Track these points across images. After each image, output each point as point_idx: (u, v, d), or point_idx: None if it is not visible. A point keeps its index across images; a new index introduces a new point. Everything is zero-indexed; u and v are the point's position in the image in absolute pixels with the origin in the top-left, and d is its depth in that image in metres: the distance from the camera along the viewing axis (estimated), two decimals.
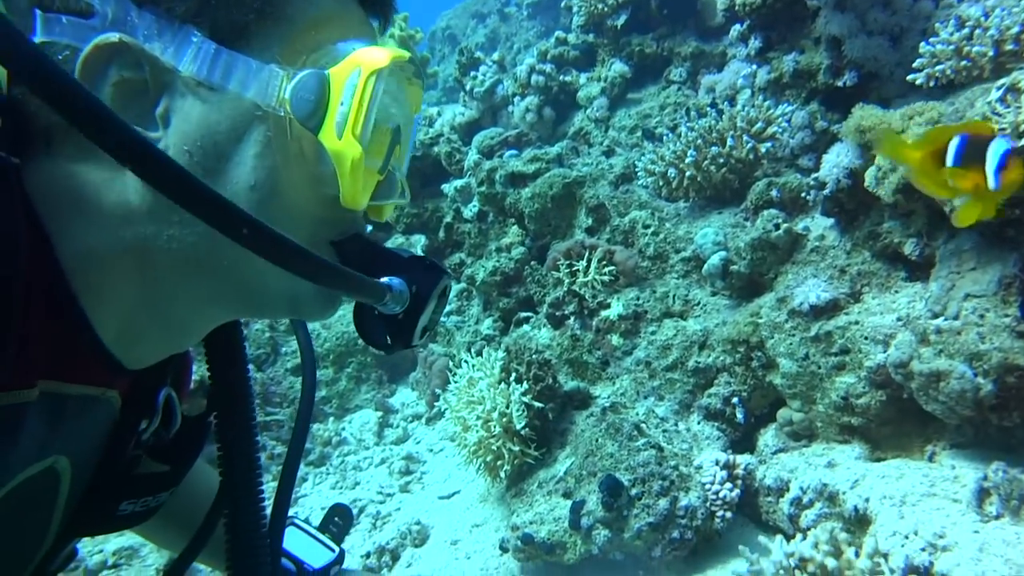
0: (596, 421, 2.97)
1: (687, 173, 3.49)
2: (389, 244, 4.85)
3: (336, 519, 1.58)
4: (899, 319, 2.53)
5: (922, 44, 2.74)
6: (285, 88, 0.68)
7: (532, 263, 4.10)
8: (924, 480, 2.31)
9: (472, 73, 5.57)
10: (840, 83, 3.43)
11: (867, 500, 2.31)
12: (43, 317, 0.65)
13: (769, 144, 3.38)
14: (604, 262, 3.55)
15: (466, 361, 3.28)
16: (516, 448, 2.97)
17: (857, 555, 1.89)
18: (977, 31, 2.57)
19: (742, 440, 3.00)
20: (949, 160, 1.89)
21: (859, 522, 2.32)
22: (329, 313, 0.81)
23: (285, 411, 4.47)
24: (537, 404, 3.02)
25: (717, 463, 2.71)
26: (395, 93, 0.83)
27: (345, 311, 0.82)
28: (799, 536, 2.08)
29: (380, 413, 4.55)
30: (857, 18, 3.34)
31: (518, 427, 2.95)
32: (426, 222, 5.20)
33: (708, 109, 3.76)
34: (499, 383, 3.08)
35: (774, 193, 3.22)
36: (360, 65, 0.69)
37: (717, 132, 3.49)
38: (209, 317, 0.82)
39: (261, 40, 0.69)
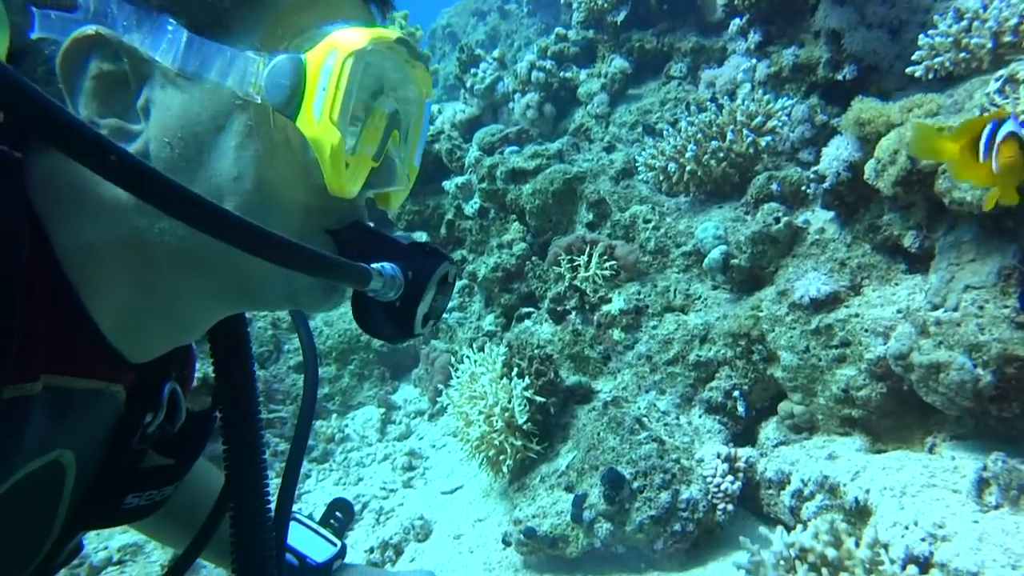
0: (598, 415, 2.98)
1: (687, 168, 3.50)
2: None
3: (337, 514, 1.58)
4: (899, 311, 2.53)
5: (921, 36, 2.74)
6: (261, 74, 0.66)
7: (533, 259, 4.11)
8: (924, 471, 2.32)
9: (472, 70, 5.58)
10: (840, 76, 3.44)
11: (868, 492, 2.32)
12: (45, 311, 0.65)
13: (769, 138, 3.39)
14: (605, 257, 3.56)
15: (468, 357, 3.29)
16: (518, 442, 2.99)
17: (857, 545, 1.90)
18: (976, 23, 2.58)
19: (743, 433, 3.01)
20: (982, 149, 1.88)
21: (860, 513, 2.33)
22: (329, 305, 0.79)
23: (288, 408, 4.49)
24: (539, 399, 3.03)
25: (718, 456, 2.72)
26: (386, 75, 0.79)
27: (348, 308, 0.81)
28: (799, 527, 2.08)
29: (383, 410, 4.57)
30: (856, 11, 3.34)
31: (520, 422, 2.96)
32: (427, 219, 5.21)
33: (708, 104, 3.77)
34: (501, 378, 3.09)
35: (774, 187, 3.22)
36: (336, 47, 0.67)
37: (717, 126, 3.49)
38: (209, 310, 0.81)
39: (241, 26, 0.67)
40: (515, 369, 3.09)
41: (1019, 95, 2.14)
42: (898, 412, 2.56)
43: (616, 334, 3.38)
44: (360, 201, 0.79)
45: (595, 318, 3.51)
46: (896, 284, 2.67)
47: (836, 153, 2.80)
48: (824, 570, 1.87)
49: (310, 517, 1.38)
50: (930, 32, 2.73)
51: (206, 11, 0.66)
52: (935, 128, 2.12)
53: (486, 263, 4.39)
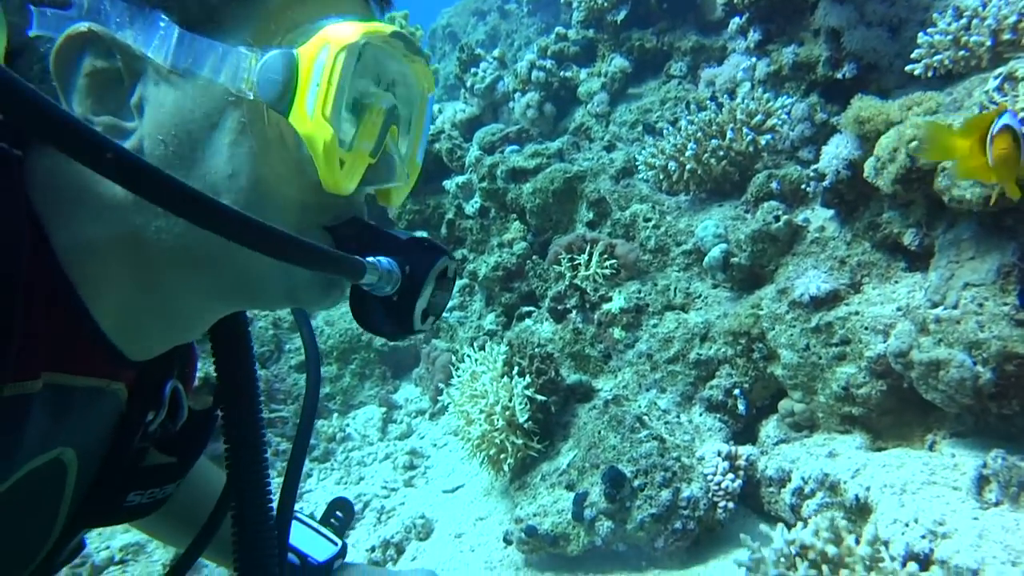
0: (598, 414, 2.99)
1: (687, 166, 3.50)
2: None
3: (337, 513, 1.58)
4: (899, 309, 2.54)
5: (920, 35, 2.74)
6: (253, 70, 0.65)
7: (534, 258, 4.12)
8: (924, 468, 2.32)
9: (473, 70, 5.59)
10: (839, 75, 3.44)
11: (868, 489, 2.33)
12: (45, 309, 0.65)
13: (769, 136, 3.39)
14: (605, 256, 3.56)
15: (469, 355, 3.30)
16: (519, 441, 2.99)
17: (857, 542, 1.90)
18: (975, 21, 2.58)
19: (744, 431, 3.01)
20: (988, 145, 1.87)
21: (860, 511, 2.34)
22: (328, 302, 0.78)
23: (289, 408, 4.50)
24: (540, 397, 3.04)
25: (719, 454, 2.73)
26: (383, 70, 0.78)
27: (349, 307, 0.81)
28: (800, 524, 2.09)
29: (384, 409, 4.58)
30: (856, 10, 3.34)
31: (521, 420, 2.97)
32: (428, 219, 5.22)
33: (708, 102, 3.77)
34: (502, 377, 3.10)
35: (774, 185, 3.23)
36: (329, 42, 0.66)
37: (717, 125, 3.50)
38: (208, 309, 0.80)
39: (234, 22, 0.66)
40: (516, 368, 3.09)
41: (1018, 92, 2.15)
42: (898, 410, 2.56)
43: (617, 333, 3.39)
44: (359, 197, 0.78)
45: (596, 317, 3.52)
46: (896, 282, 2.67)
47: (836, 151, 2.80)
48: (825, 567, 1.87)
49: (311, 516, 1.38)
50: (929, 30, 2.73)
51: (199, 7, 0.65)
52: (946, 126, 2.10)
53: (487, 262, 4.40)
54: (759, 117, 3.42)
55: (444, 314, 4.71)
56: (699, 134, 3.52)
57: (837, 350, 2.65)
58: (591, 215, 3.92)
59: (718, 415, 3.01)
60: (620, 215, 3.75)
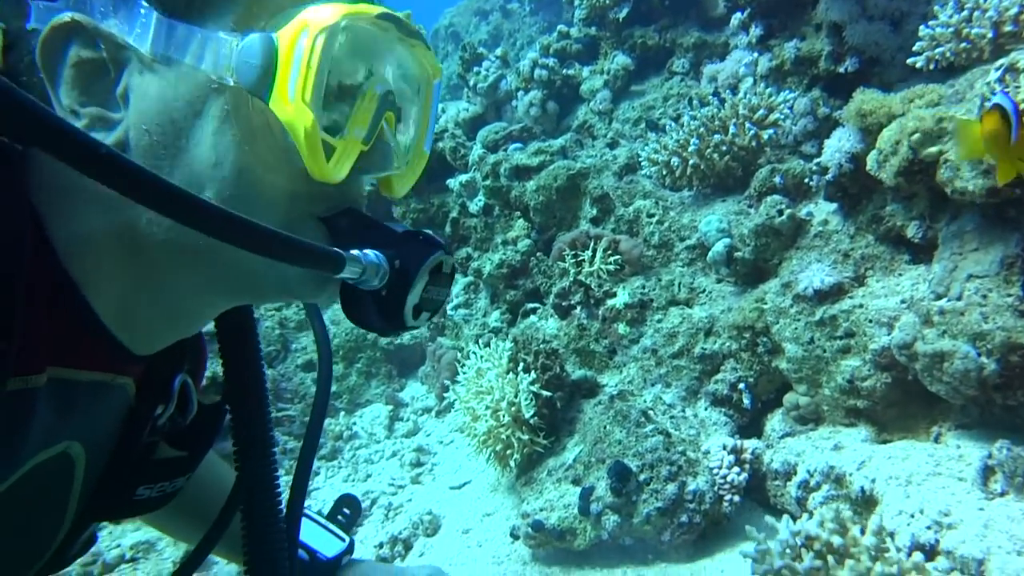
0: (604, 409, 3.00)
1: (690, 162, 3.51)
2: None
3: (345, 510, 1.59)
4: (903, 301, 2.54)
5: (921, 27, 2.75)
6: (232, 56, 0.63)
7: (538, 255, 4.13)
8: (929, 460, 2.32)
9: (475, 69, 5.60)
10: (842, 69, 3.44)
11: (873, 481, 2.33)
12: (46, 304, 0.64)
13: (771, 131, 3.40)
14: (609, 252, 3.57)
15: (474, 352, 3.31)
16: (525, 437, 3.01)
17: (862, 533, 1.91)
18: (976, 13, 2.59)
19: (749, 425, 3.02)
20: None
21: (866, 503, 2.34)
22: (323, 296, 0.76)
23: (296, 407, 4.52)
24: (545, 393, 3.05)
25: (724, 448, 2.73)
26: (376, 54, 0.75)
27: None
28: (805, 516, 2.10)
29: (390, 407, 4.60)
30: (857, 4, 3.35)
31: (527, 416, 2.98)
32: (432, 217, 5.24)
33: (710, 98, 3.78)
34: (507, 373, 3.11)
35: (777, 180, 3.23)
36: (307, 25, 0.64)
37: (719, 120, 3.51)
38: (207, 301, 0.79)
39: (217, 8, 0.65)
40: (521, 364, 3.11)
41: (1020, 84, 2.15)
42: (903, 402, 2.57)
43: (621, 328, 3.40)
44: (356, 187, 0.77)
45: (600, 312, 3.53)
46: (900, 274, 2.68)
47: (838, 145, 2.81)
48: (830, 557, 1.88)
49: (319, 513, 1.39)
50: (931, 23, 2.74)
51: None
52: (974, 121, 2.06)
53: (491, 260, 4.42)
54: (761, 112, 3.43)
55: (450, 312, 4.74)
56: (702, 129, 3.53)
57: (841, 343, 2.66)
58: (595, 212, 3.93)
59: (723, 409, 3.02)
60: (624, 211, 3.76)
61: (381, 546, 3.27)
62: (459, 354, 3.64)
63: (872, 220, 2.78)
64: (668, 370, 3.19)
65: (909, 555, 1.89)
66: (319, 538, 1.28)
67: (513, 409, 3.01)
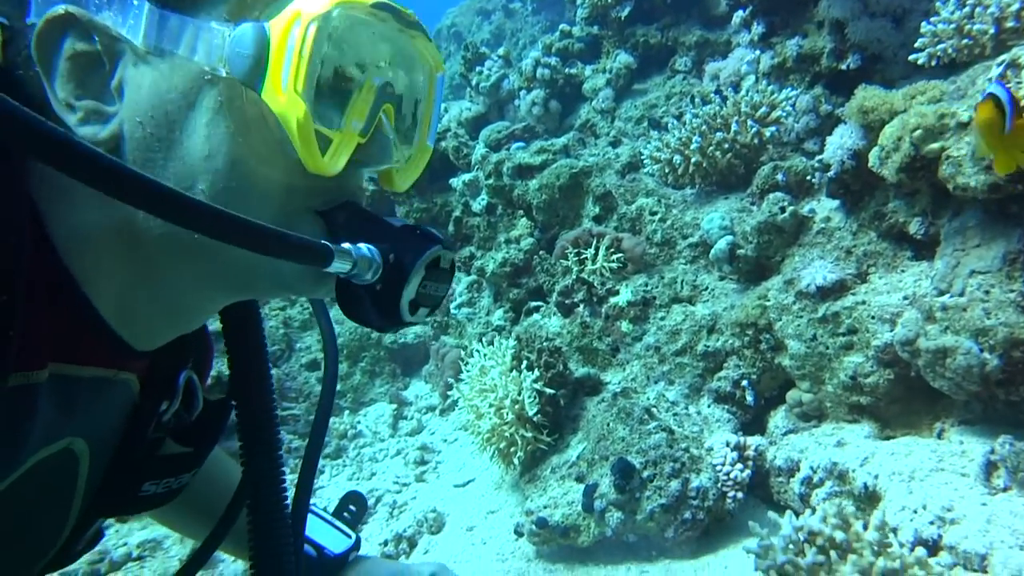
0: (607, 406, 3.01)
1: (692, 159, 3.52)
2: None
3: (351, 506, 1.60)
4: (905, 298, 2.55)
5: (923, 24, 2.75)
6: (225, 46, 0.62)
7: (541, 253, 4.14)
8: (932, 456, 2.33)
9: (478, 68, 5.61)
10: (844, 66, 3.45)
11: (876, 477, 2.34)
12: (47, 299, 0.64)
13: (773, 129, 3.40)
14: (612, 250, 3.58)
15: (478, 351, 3.32)
16: (529, 434, 3.02)
17: (865, 528, 1.92)
18: (978, 9, 2.59)
19: (752, 422, 3.02)
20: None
21: (869, 499, 2.35)
22: (321, 291, 0.75)
23: (301, 406, 4.54)
24: (549, 391, 3.06)
25: (728, 445, 2.74)
26: (373, 45, 0.74)
27: None
28: (808, 511, 2.10)
29: (394, 406, 4.61)
30: (859, 0, 3.35)
31: (530, 413, 2.99)
32: (435, 217, 5.25)
33: (713, 96, 3.78)
34: (511, 371, 3.12)
35: (780, 177, 3.24)
36: (300, 14, 0.63)
37: (722, 118, 3.51)
38: (206, 296, 0.78)
39: None
40: (524, 362, 3.12)
41: (1021, 80, 2.15)
42: (906, 398, 2.57)
43: (624, 326, 3.41)
44: (354, 181, 0.76)
45: (603, 310, 3.54)
46: (902, 271, 2.68)
47: (840, 141, 2.81)
48: (833, 553, 1.89)
49: (324, 510, 1.40)
50: (932, 19, 2.74)
51: None
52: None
53: (494, 259, 4.43)
54: (763, 109, 3.43)
55: (453, 310, 4.76)
56: (704, 127, 3.53)
57: (844, 340, 2.66)
58: (597, 210, 3.94)
59: (726, 406, 3.02)
60: (626, 209, 3.77)
61: (386, 544, 3.28)
62: (463, 352, 3.65)
63: (874, 217, 2.79)
64: (671, 367, 3.19)
65: (912, 550, 1.90)
66: (326, 534, 1.28)
67: (517, 407, 3.02)
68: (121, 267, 0.69)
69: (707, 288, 3.34)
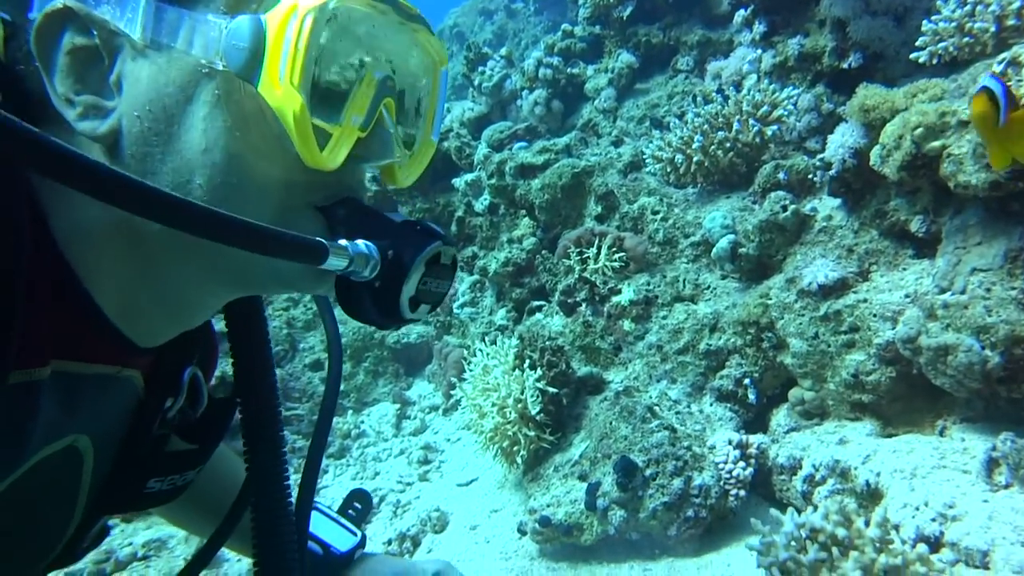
0: (610, 405, 3.02)
1: (694, 158, 3.52)
2: None
3: (356, 504, 1.60)
4: (907, 296, 2.55)
5: (924, 22, 2.75)
6: (221, 39, 0.62)
7: (543, 252, 4.15)
8: (934, 453, 2.33)
9: (480, 69, 5.62)
10: (845, 65, 3.45)
11: (878, 475, 2.34)
12: (49, 295, 0.64)
13: (775, 127, 3.40)
14: (614, 249, 3.59)
15: (481, 350, 3.33)
16: (532, 433, 3.03)
17: (867, 525, 1.92)
18: (979, 7, 2.59)
19: (755, 420, 3.03)
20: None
21: (871, 496, 2.35)
22: (322, 288, 0.74)
23: (304, 406, 4.55)
24: (551, 389, 3.07)
25: (730, 443, 2.75)
26: (374, 38, 0.73)
27: None
28: (810, 508, 2.11)
29: (398, 405, 4.63)
30: None
31: (533, 412, 3.00)
32: (438, 217, 5.26)
33: (715, 95, 3.79)
34: (513, 370, 3.13)
35: (781, 176, 3.24)
36: (297, 6, 0.62)
37: (723, 117, 3.52)
38: (208, 292, 0.77)
39: None
40: (527, 361, 3.13)
41: (1022, 78, 2.16)
42: (908, 396, 2.57)
43: (626, 325, 3.42)
44: (355, 176, 0.75)
45: (605, 309, 3.55)
46: (904, 269, 2.68)
47: (841, 140, 2.82)
48: (835, 549, 1.89)
49: (329, 508, 1.40)
50: (933, 17, 2.74)
51: None
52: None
53: (497, 258, 4.44)
54: (765, 108, 3.44)
55: (456, 310, 4.77)
56: (705, 126, 3.54)
57: (846, 338, 2.67)
58: (599, 209, 3.95)
59: (729, 404, 3.03)
60: (628, 208, 3.78)
61: (390, 543, 3.30)
62: (466, 352, 3.66)
63: (876, 215, 2.79)
64: (673, 366, 3.20)
65: (914, 547, 1.90)
66: (332, 532, 1.27)
67: (519, 406, 3.03)
68: (123, 263, 0.69)
69: (709, 287, 3.34)
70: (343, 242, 0.66)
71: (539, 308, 4.11)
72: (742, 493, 2.68)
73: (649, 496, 2.64)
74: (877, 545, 1.86)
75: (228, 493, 1.03)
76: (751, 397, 2.99)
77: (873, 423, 2.65)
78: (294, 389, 4.67)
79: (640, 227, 3.70)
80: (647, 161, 3.87)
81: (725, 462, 2.71)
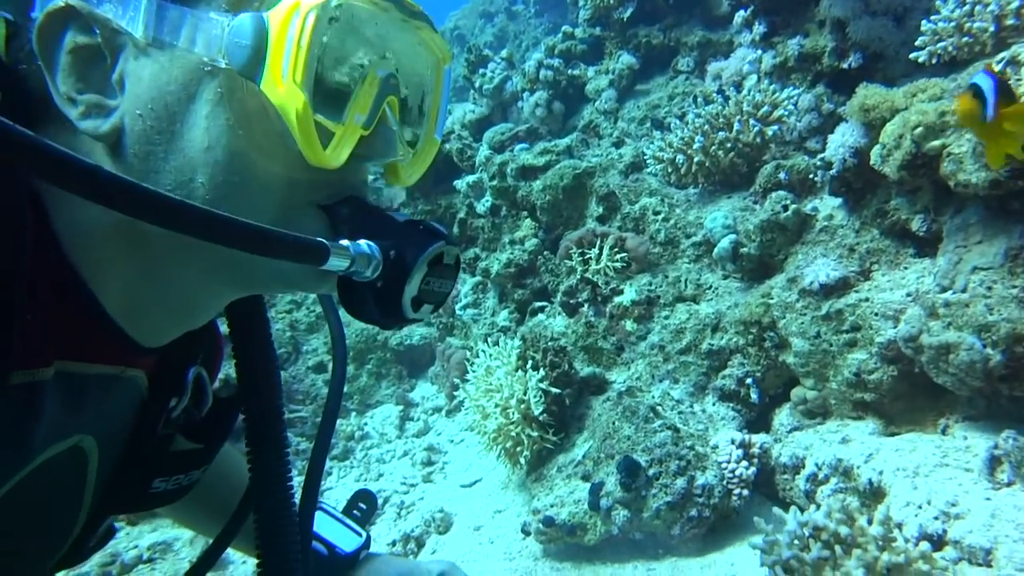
0: (612, 405, 3.03)
1: (695, 159, 3.53)
2: None
3: (361, 504, 1.60)
4: (908, 294, 2.56)
5: (923, 22, 2.76)
6: (224, 37, 0.62)
7: (545, 253, 4.16)
8: (937, 451, 2.34)
9: (481, 71, 5.64)
10: (845, 65, 3.46)
11: (881, 473, 2.35)
12: (52, 295, 0.64)
13: (776, 127, 3.41)
14: (616, 249, 3.60)
15: (483, 351, 3.34)
16: (535, 434, 3.04)
17: (869, 523, 1.93)
18: (978, 7, 2.60)
19: (757, 420, 3.04)
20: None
21: (874, 495, 2.36)
22: (325, 287, 0.74)
23: (308, 408, 4.57)
24: (554, 390, 3.08)
25: (733, 442, 2.75)
26: (377, 36, 0.72)
27: None
28: (813, 507, 2.12)
29: (401, 407, 4.64)
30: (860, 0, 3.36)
31: (536, 413, 3.01)
32: (440, 218, 5.28)
33: (715, 96, 3.80)
34: (516, 371, 3.14)
35: (782, 175, 3.25)
36: (299, 3, 0.62)
37: (724, 117, 3.53)
38: (212, 292, 0.77)
39: None
40: (530, 362, 3.14)
41: (1021, 77, 2.17)
42: (910, 394, 2.58)
43: (629, 325, 3.43)
44: (358, 175, 0.75)
45: (607, 310, 3.56)
46: (905, 268, 2.69)
47: (842, 139, 2.83)
48: (837, 547, 1.90)
49: (334, 508, 1.41)
50: (933, 17, 2.75)
51: None
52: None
53: (499, 260, 4.45)
54: (765, 108, 3.45)
55: (458, 312, 4.78)
56: (706, 127, 3.55)
57: (848, 337, 2.67)
58: (601, 210, 3.96)
59: (731, 404, 3.04)
60: (630, 209, 3.79)
61: (394, 544, 3.31)
62: (468, 353, 3.68)
63: (877, 214, 2.80)
64: (676, 366, 3.21)
65: (916, 545, 1.91)
66: (337, 533, 1.27)
67: (522, 406, 3.04)
68: (126, 263, 0.69)
69: (711, 287, 3.35)
70: (345, 242, 0.66)
71: (541, 309, 4.12)
72: (745, 492, 2.68)
73: (652, 496, 2.65)
74: (880, 543, 1.87)
75: (235, 493, 1.02)
76: (753, 396, 3.00)
77: (875, 422, 2.65)
78: (297, 391, 4.68)
79: (642, 227, 3.71)
80: (648, 162, 3.88)
81: (728, 461, 2.71)
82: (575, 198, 4.12)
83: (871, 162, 2.65)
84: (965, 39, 2.62)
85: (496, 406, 3.09)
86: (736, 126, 3.45)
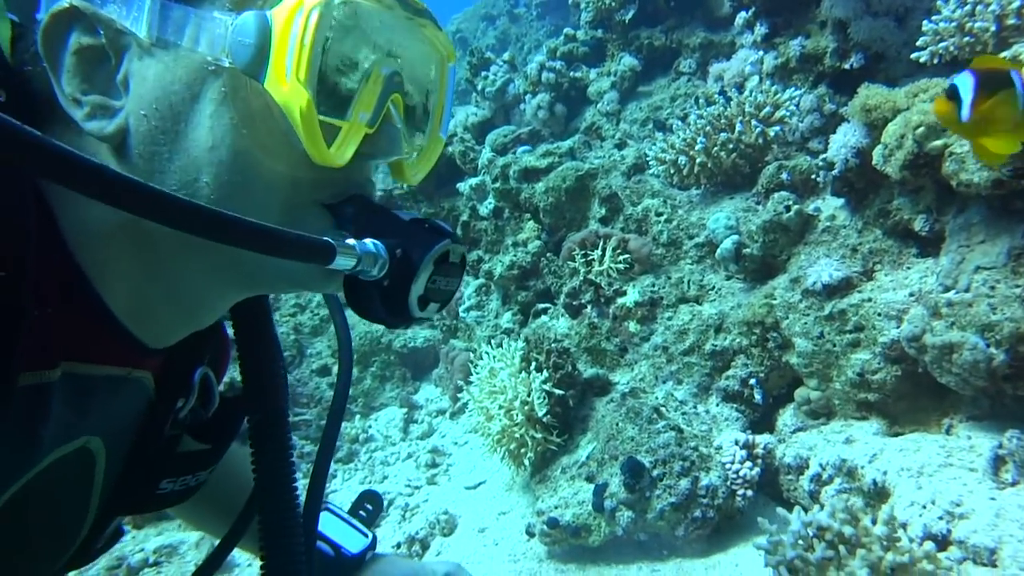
0: (616, 406, 3.03)
1: (698, 160, 3.54)
2: None
3: (367, 505, 1.60)
4: (911, 294, 2.56)
5: (925, 22, 2.76)
6: (227, 36, 0.62)
7: (548, 255, 4.17)
8: (941, 451, 2.34)
9: (483, 73, 5.65)
10: (847, 65, 3.46)
11: (885, 473, 2.35)
12: (58, 296, 0.64)
13: (778, 128, 3.42)
14: (619, 250, 3.60)
15: (487, 353, 3.35)
16: (539, 435, 3.04)
17: (874, 523, 1.93)
18: (979, 7, 2.60)
19: (761, 420, 3.04)
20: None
21: (878, 495, 2.36)
22: (332, 286, 0.74)
23: (312, 411, 4.58)
24: (558, 391, 3.09)
25: (737, 443, 2.76)
26: (381, 33, 0.72)
27: None
28: (817, 507, 2.12)
29: (405, 410, 4.65)
30: (862, 0, 3.36)
31: (540, 414, 3.02)
32: (443, 221, 5.28)
33: (717, 97, 3.80)
34: (520, 373, 3.15)
35: (784, 176, 3.25)
36: (302, 2, 0.62)
37: (726, 119, 3.53)
38: (218, 293, 0.77)
39: None
40: (533, 363, 3.14)
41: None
42: (913, 394, 2.58)
43: (632, 326, 3.43)
44: (363, 173, 0.75)
45: (610, 311, 3.56)
46: (908, 268, 2.69)
47: (844, 140, 2.83)
48: (842, 548, 1.90)
49: (340, 509, 1.41)
50: (934, 17, 2.75)
51: None
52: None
53: (502, 262, 4.46)
54: (767, 109, 3.45)
55: (462, 314, 4.79)
56: (708, 128, 3.55)
57: (851, 337, 2.67)
58: (603, 211, 3.97)
59: (735, 405, 3.04)
60: (632, 210, 3.79)
61: (399, 546, 3.31)
62: (472, 355, 3.68)
63: (879, 214, 2.80)
64: (679, 367, 3.21)
65: (921, 544, 1.91)
66: (344, 533, 1.26)
67: (526, 408, 3.05)
68: (132, 264, 0.69)
69: (714, 288, 3.35)
70: (351, 241, 0.65)
71: (544, 310, 4.13)
72: (749, 493, 2.68)
73: (656, 497, 2.65)
74: (884, 543, 1.87)
75: (242, 493, 1.02)
76: (757, 397, 3.00)
77: (879, 422, 2.65)
78: (302, 394, 4.69)
79: (644, 229, 3.72)
80: (650, 163, 3.88)
81: (732, 462, 2.71)
82: (578, 200, 4.12)
83: (873, 162, 2.65)
84: (966, 39, 2.62)
85: (500, 408, 3.10)
86: (738, 127, 3.45)
